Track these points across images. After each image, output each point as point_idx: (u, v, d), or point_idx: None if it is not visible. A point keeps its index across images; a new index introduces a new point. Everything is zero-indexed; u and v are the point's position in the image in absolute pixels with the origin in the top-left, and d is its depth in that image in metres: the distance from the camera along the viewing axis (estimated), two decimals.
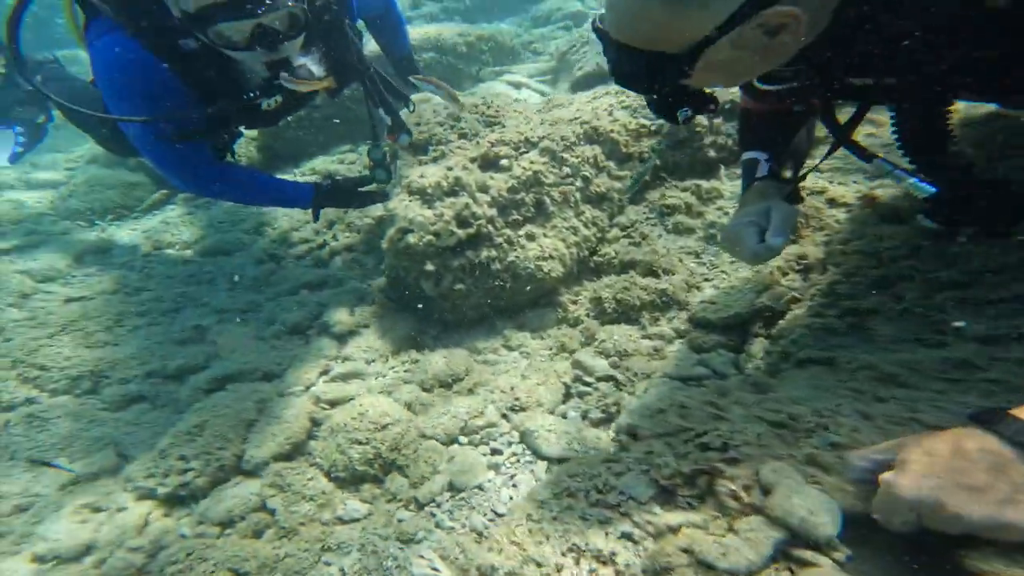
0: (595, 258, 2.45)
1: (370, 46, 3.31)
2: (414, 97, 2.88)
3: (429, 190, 2.36)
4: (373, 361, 2.34)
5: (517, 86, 4.70)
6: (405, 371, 2.25)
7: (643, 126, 2.56)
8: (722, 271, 2.14)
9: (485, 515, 1.57)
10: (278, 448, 1.90)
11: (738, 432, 1.13)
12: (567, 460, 1.61)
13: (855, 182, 2.22)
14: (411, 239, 2.28)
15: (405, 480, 1.76)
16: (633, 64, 1.04)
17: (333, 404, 2.07)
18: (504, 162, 2.52)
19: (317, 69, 2.24)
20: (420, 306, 2.49)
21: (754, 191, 1.45)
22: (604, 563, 0.98)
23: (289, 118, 2.86)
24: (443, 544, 1.48)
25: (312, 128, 4.05)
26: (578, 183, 2.50)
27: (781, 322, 1.80)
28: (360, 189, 2.68)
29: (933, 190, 1.12)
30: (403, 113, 2.72)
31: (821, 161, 1.47)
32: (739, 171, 2.48)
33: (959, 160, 1.14)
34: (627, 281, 2.21)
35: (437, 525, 1.57)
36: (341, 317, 2.52)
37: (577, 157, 2.53)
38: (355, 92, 2.86)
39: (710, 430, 1.16)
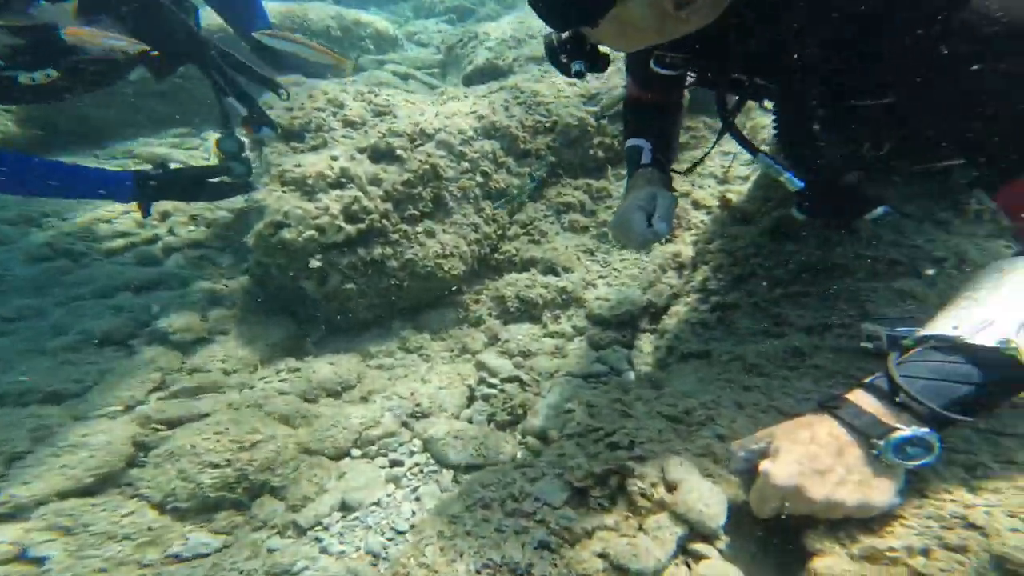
0: (496, 256, 2.45)
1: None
2: (287, 80, 2.61)
3: (309, 181, 2.17)
4: (235, 371, 2.08)
5: (404, 77, 4.50)
6: (280, 381, 2.04)
7: (539, 122, 2.59)
8: (614, 268, 2.25)
9: (383, 534, 1.47)
10: (70, 483, 1.55)
11: (642, 429, 1.18)
12: (475, 467, 1.59)
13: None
14: (287, 234, 2.07)
15: (281, 503, 1.57)
16: None
17: (173, 424, 1.78)
18: (399, 153, 2.40)
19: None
20: (298, 308, 2.29)
21: (640, 178, 1.52)
22: None
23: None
24: (331, 572, 1.36)
25: (121, 105, 3.46)
26: (478, 178, 2.47)
27: (665, 318, 1.95)
28: (211, 180, 2.36)
29: (802, 185, 1.26)
30: (270, 100, 2.45)
31: (712, 148, 1.58)
32: (624, 171, 2.65)
33: (822, 159, 1.26)
34: (529, 279, 2.23)
35: (323, 551, 1.43)
36: (186, 323, 2.20)
37: (476, 152, 2.49)
38: (192, 69, 2.49)
39: (618, 428, 1.20)
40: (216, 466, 1.57)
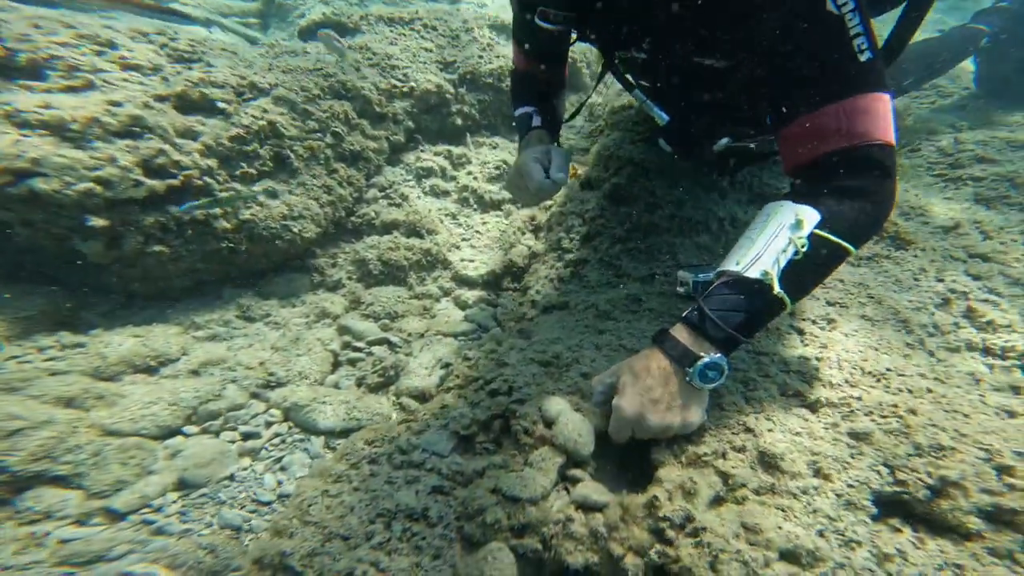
0: (353, 219, 2.25)
1: None
2: None
3: (74, 126, 1.76)
4: None
5: (205, 23, 3.77)
6: (49, 360, 1.67)
7: (395, 86, 2.42)
8: (476, 231, 2.25)
9: (243, 508, 1.32)
10: None
11: (519, 375, 1.21)
12: (350, 431, 1.48)
13: None
14: (42, 185, 1.67)
15: (76, 492, 1.32)
16: None
17: None
18: (221, 106, 2.05)
19: None
20: (66, 275, 1.85)
21: (533, 137, 1.54)
22: (417, 520, 0.94)
23: None
24: (172, 551, 1.19)
25: None
26: (328, 139, 2.22)
27: (526, 275, 2.01)
28: None
29: (667, 119, 1.37)
30: None
31: (590, 94, 1.60)
32: (483, 139, 2.64)
33: (678, 98, 1.37)
34: (391, 241, 2.10)
35: (159, 531, 1.26)
36: None
37: (325, 112, 2.23)
38: None
39: (496, 376, 1.21)
40: None
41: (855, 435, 1.00)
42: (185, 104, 1.99)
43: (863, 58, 0.98)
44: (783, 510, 0.88)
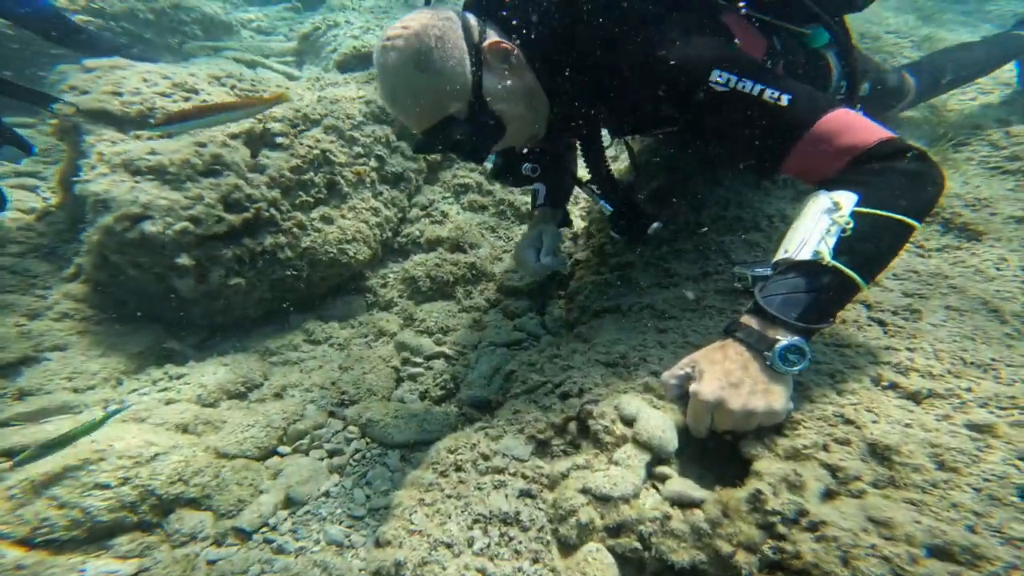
0: (399, 239, 2.27)
1: None
2: (103, 63, 2.15)
3: (172, 169, 1.83)
4: (90, 388, 1.71)
5: (251, 65, 3.97)
6: (161, 391, 1.72)
7: None
8: (516, 243, 2.23)
9: (341, 523, 1.32)
10: None
11: (587, 377, 1.19)
12: (423, 443, 1.47)
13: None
14: (151, 228, 1.73)
15: (207, 514, 1.35)
16: (449, 136, 1.13)
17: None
18: (280, 140, 2.11)
19: None
20: (163, 311, 1.92)
21: (536, 218, 1.74)
22: (510, 524, 0.92)
23: None
24: (294, 570, 1.20)
25: None
26: (372, 163, 2.26)
27: (571, 282, 1.99)
28: None
29: (611, 209, 1.48)
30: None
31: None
32: None
33: (617, 189, 1.50)
34: (437, 258, 2.11)
35: (279, 550, 1.26)
36: None
37: (368, 136, 2.28)
38: None
39: (565, 379, 1.18)
40: (106, 487, 1.28)
41: (975, 427, 0.91)
42: (253, 140, 2.06)
43: (784, 102, 1.02)
44: (914, 504, 0.79)
